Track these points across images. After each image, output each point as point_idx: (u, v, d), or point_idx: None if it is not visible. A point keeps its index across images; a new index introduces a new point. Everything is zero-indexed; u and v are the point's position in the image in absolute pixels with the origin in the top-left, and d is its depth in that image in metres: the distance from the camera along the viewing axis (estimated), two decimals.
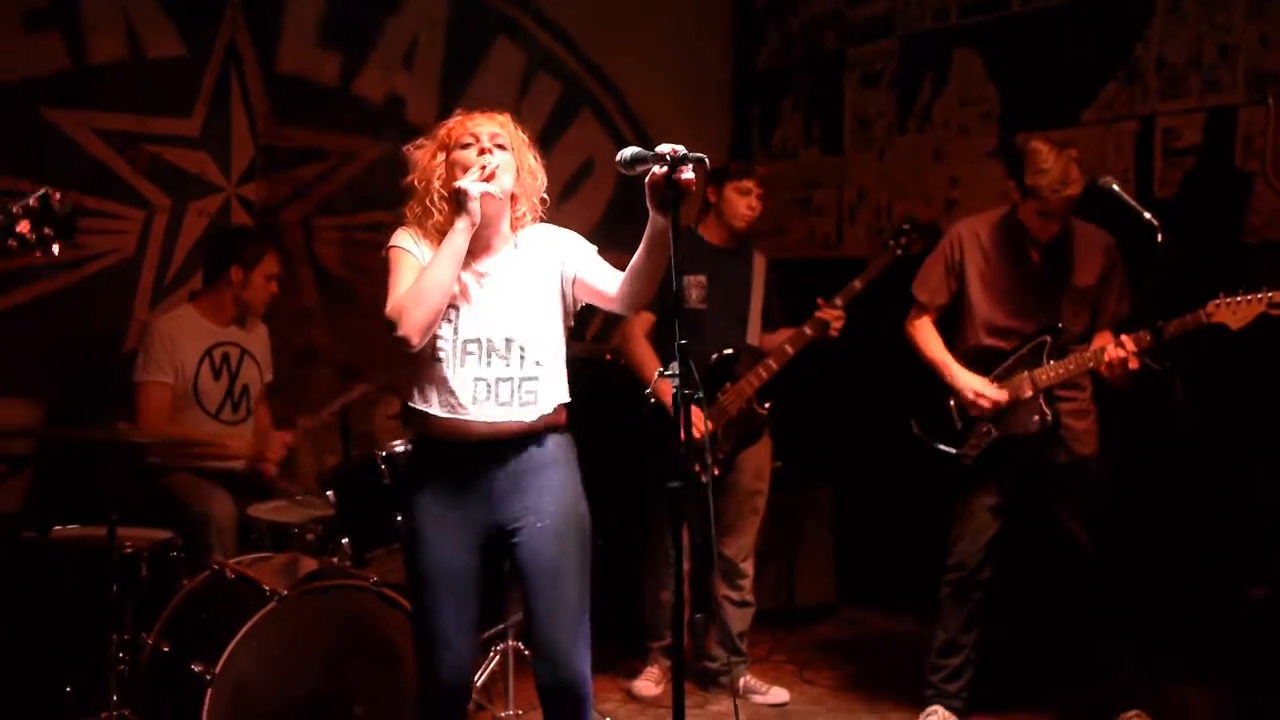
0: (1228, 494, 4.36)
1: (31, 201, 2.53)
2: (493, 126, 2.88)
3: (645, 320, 4.36)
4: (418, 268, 2.83)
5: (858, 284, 4.25)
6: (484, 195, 2.80)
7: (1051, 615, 4.39)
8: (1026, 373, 3.92)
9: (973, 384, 3.95)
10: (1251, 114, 4.48)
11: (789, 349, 4.30)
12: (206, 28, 4.97)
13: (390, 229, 2.98)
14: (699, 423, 4.13)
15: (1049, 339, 3.92)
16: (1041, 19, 5.12)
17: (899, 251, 4.26)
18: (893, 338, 4.43)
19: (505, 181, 2.86)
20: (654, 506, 4.45)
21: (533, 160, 2.95)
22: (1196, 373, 3.59)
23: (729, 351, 4.35)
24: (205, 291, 4.42)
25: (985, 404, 3.92)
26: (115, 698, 3.31)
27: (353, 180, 5.33)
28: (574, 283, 2.91)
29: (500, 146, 2.87)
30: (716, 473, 4.35)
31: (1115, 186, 3.39)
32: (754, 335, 4.50)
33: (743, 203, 4.40)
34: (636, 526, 4.61)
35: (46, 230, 2.54)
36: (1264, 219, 4.47)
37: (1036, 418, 3.91)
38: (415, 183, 2.93)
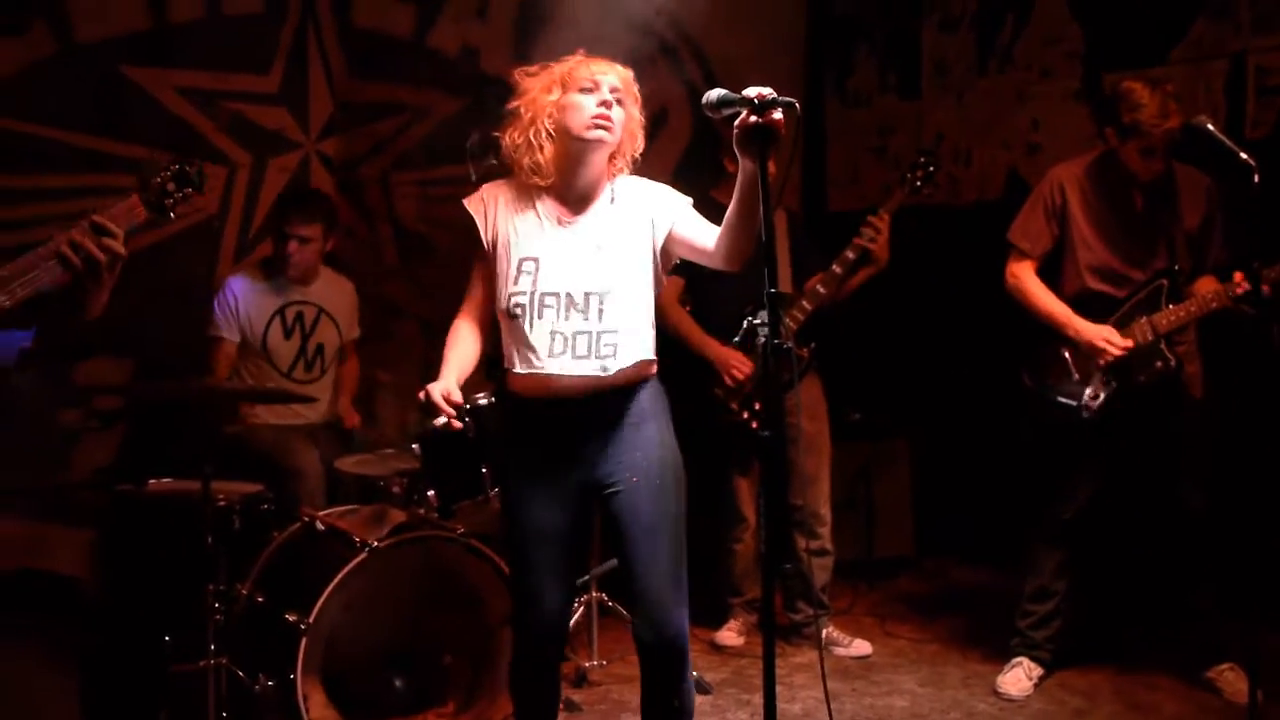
0: None
1: (173, 168, 2.58)
2: (614, 78, 2.81)
3: (675, 284, 4.33)
4: (479, 252, 2.86)
5: (899, 192, 4.26)
6: (595, 141, 2.78)
7: (1144, 566, 4.34)
8: (1145, 318, 3.83)
9: (1101, 332, 3.84)
10: None
11: (820, 289, 4.25)
12: None
13: (465, 184, 2.96)
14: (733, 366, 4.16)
15: (1166, 282, 3.83)
16: None
17: (917, 184, 4.28)
18: (968, 285, 4.36)
19: (614, 136, 2.82)
20: (721, 458, 4.44)
21: (639, 120, 2.89)
22: None
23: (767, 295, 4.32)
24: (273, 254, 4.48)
25: (1115, 352, 3.83)
26: (212, 647, 3.38)
27: (429, 134, 5.34)
28: (668, 238, 2.85)
29: (619, 101, 2.81)
30: (754, 425, 4.30)
31: (1210, 126, 3.29)
32: (786, 285, 4.41)
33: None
34: (704, 480, 4.60)
35: (185, 191, 2.59)
36: None
37: (1160, 364, 3.82)
38: (521, 110, 2.84)
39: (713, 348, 4.32)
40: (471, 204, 2.91)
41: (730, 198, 2.65)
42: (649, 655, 2.88)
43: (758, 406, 4.24)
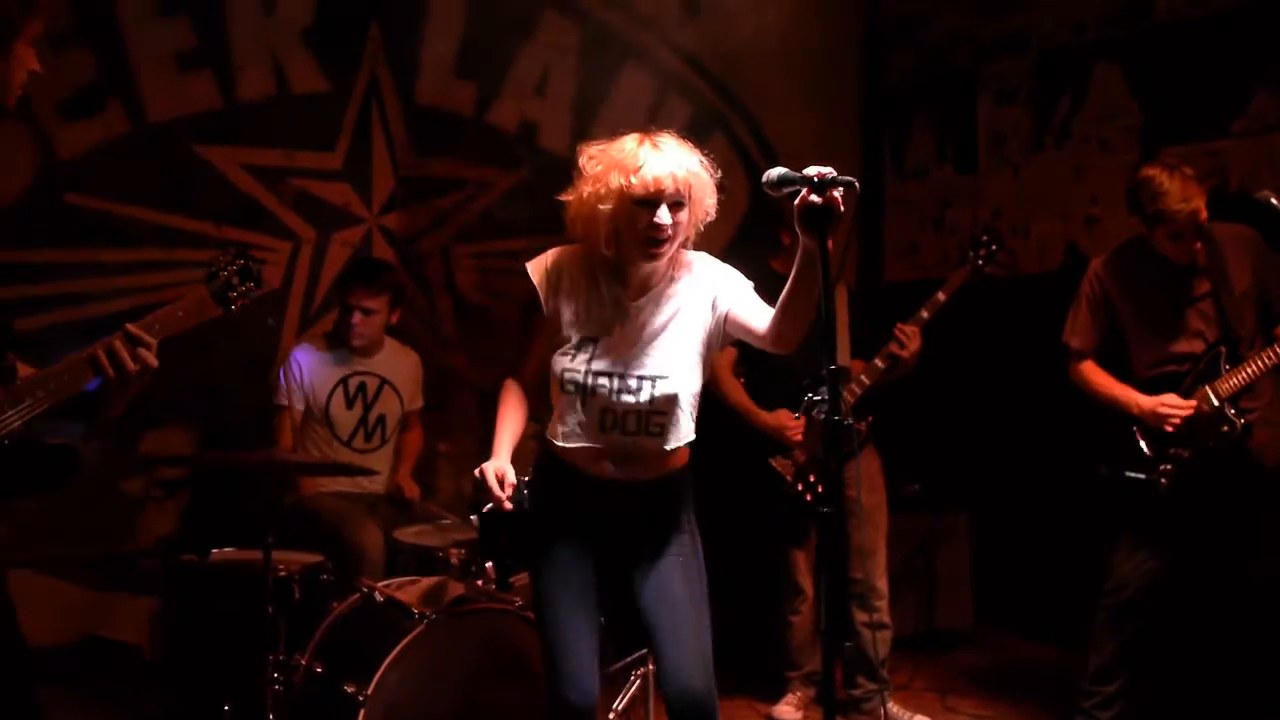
0: None
1: (236, 263, 2.66)
2: (680, 175, 2.71)
3: (730, 354, 4.35)
4: (536, 318, 2.88)
5: (941, 295, 4.25)
6: (652, 253, 2.76)
7: (1212, 647, 4.24)
8: (1206, 386, 3.81)
9: (1160, 399, 3.83)
10: None
11: (879, 363, 4.26)
12: (349, 63, 5.13)
13: (525, 256, 2.95)
14: (788, 429, 4.17)
15: (1224, 349, 3.81)
16: (1184, 28, 4.98)
17: (980, 262, 4.25)
18: (1030, 359, 4.34)
19: (669, 250, 2.79)
20: (777, 530, 4.42)
21: (711, 202, 2.81)
22: None
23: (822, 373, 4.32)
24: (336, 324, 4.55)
25: (1177, 417, 3.80)
26: (271, 716, 3.39)
27: (488, 208, 5.43)
28: (725, 319, 2.87)
29: (681, 203, 2.74)
30: (820, 491, 4.28)
31: (1274, 200, 3.28)
32: (844, 359, 4.43)
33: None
34: (761, 552, 4.58)
35: (247, 286, 2.67)
36: None
37: (1226, 428, 3.78)
38: (582, 189, 2.78)
39: (763, 417, 4.32)
40: (535, 269, 2.91)
41: (787, 268, 2.65)
42: (676, 717, 2.89)
43: (813, 479, 4.23)
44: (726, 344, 2.96)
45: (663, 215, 2.72)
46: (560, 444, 2.86)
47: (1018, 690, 4.78)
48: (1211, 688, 4.26)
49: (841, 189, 2.44)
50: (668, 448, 2.86)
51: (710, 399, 3.12)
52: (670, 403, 2.83)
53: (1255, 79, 4.74)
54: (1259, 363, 3.71)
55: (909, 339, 4.23)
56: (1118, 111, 5.30)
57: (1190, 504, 3.85)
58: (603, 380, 2.82)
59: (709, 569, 2.98)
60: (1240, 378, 3.75)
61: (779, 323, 2.72)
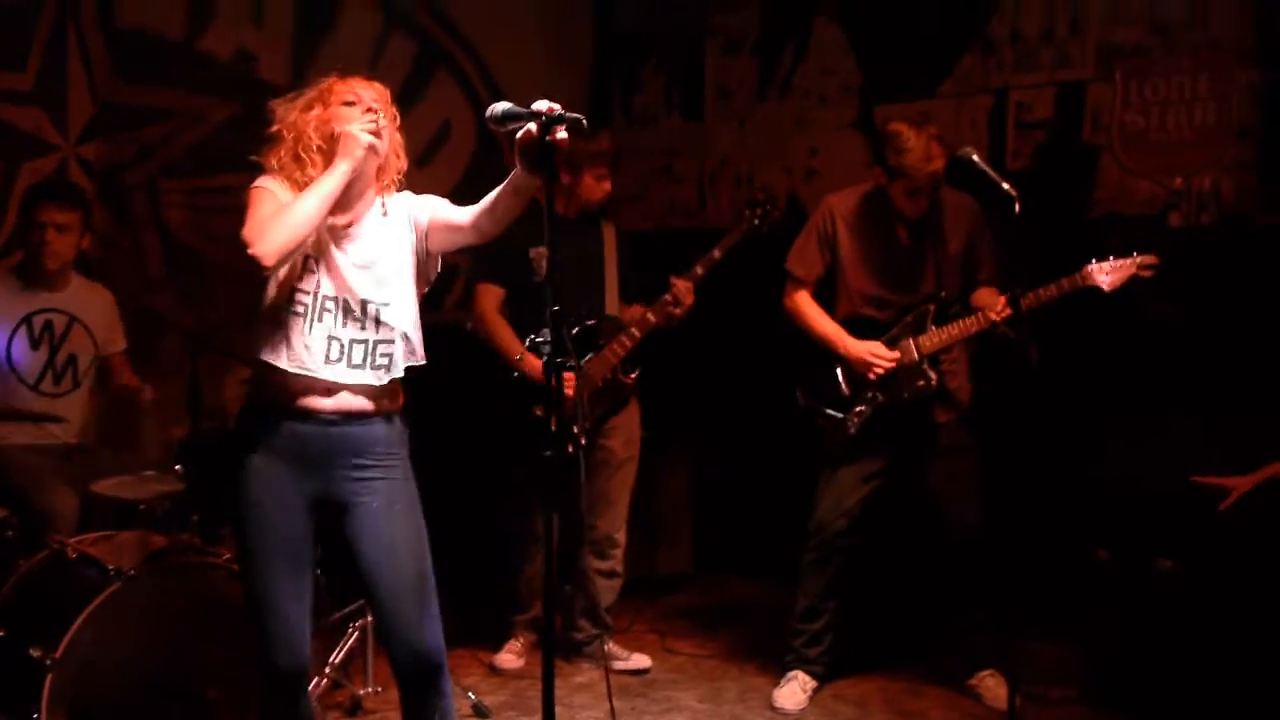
0: (1079, 461, 4.51)
1: None
2: (373, 94, 2.83)
3: (495, 294, 4.28)
4: (281, 205, 2.74)
5: (716, 253, 4.25)
6: (368, 148, 2.74)
7: (912, 580, 4.49)
8: (911, 339, 3.99)
9: (868, 347, 3.99)
10: (1099, 90, 4.60)
11: (651, 317, 4.28)
12: None
13: (242, 191, 2.84)
14: (570, 388, 4.11)
15: (932, 306, 4.00)
16: None
17: (755, 222, 4.25)
18: (754, 308, 4.44)
19: (383, 146, 2.80)
20: (517, 479, 4.38)
21: (400, 140, 2.90)
22: (1050, 342, 3.70)
23: (590, 322, 4.30)
24: (25, 255, 4.20)
25: (881, 366, 3.97)
26: None
27: (201, 141, 5.10)
28: (428, 234, 2.86)
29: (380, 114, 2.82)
30: (583, 442, 4.30)
31: (975, 157, 3.43)
32: (613, 305, 4.45)
33: (599, 186, 4.34)
34: (495, 499, 4.54)
35: None
36: (1109, 193, 4.61)
37: (922, 382, 3.98)
38: (283, 133, 2.82)
39: (533, 360, 4.04)
40: (269, 183, 2.80)
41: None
42: (404, 673, 2.88)
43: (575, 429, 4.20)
44: (436, 268, 2.92)
45: (369, 104, 2.78)
46: (285, 368, 2.73)
47: (735, 630, 4.93)
48: (909, 619, 4.53)
49: (568, 126, 2.40)
50: (390, 378, 2.80)
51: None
52: (395, 330, 2.79)
53: (962, 44, 4.97)
54: (961, 326, 3.91)
55: (684, 295, 4.23)
56: (836, 68, 5.47)
57: (877, 448, 4.05)
58: (329, 305, 2.75)
59: (427, 517, 2.92)
60: (943, 336, 3.96)
61: (480, 216, 2.78)
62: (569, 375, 4.18)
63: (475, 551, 4.45)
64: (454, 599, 3.05)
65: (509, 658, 4.46)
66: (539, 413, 4.17)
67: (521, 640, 4.50)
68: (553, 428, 2.47)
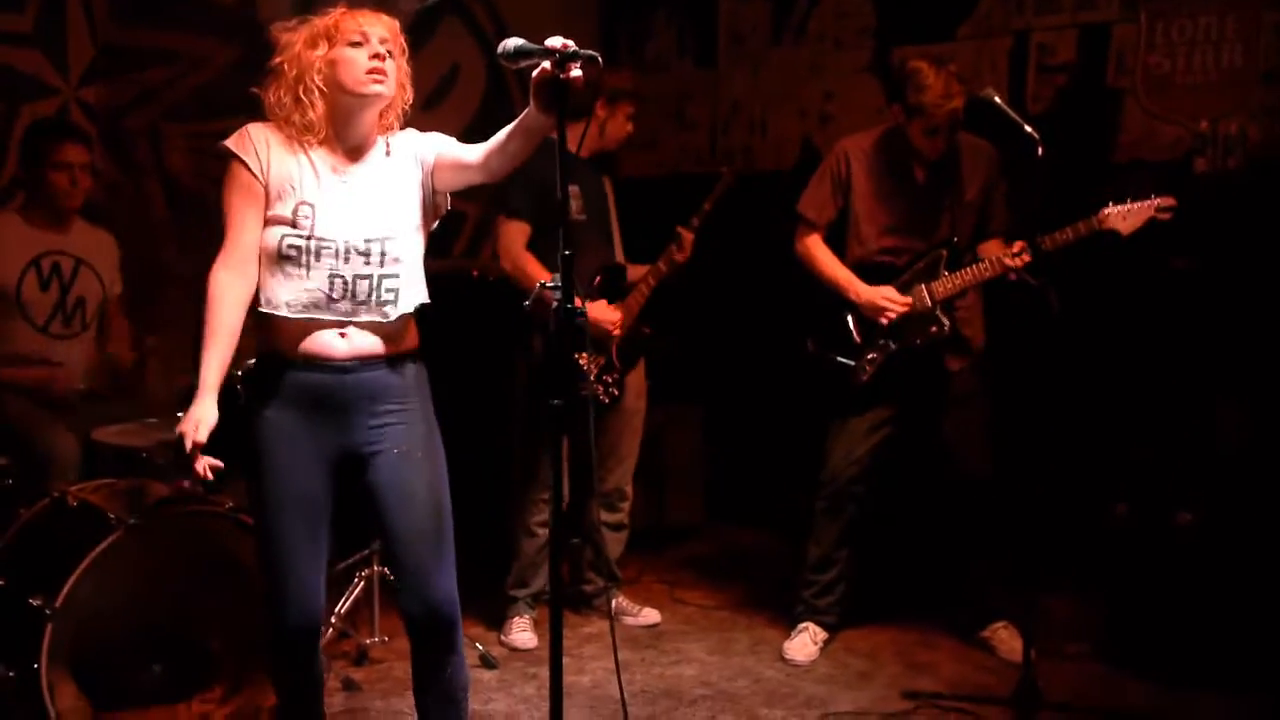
0: (1099, 413, 4.45)
1: None
2: (382, 29, 2.70)
3: (522, 230, 4.10)
4: (250, 195, 2.66)
5: (706, 205, 4.19)
6: (373, 96, 2.67)
7: (924, 531, 4.43)
8: (923, 285, 3.91)
9: (881, 292, 3.92)
10: (1124, 31, 4.49)
11: (662, 266, 4.24)
12: None
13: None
14: (611, 322, 4.10)
15: (945, 252, 3.91)
16: None
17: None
18: (763, 255, 4.36)
19: (389, 89, 2.71)
20: (524, 429, 4.30)
21: (408, 70, 2.80)
22: (1071, 289, 3.62)
23: (617, 264, 4.26)
24: (29, 196, 4.12)
25: (894, 311, 3.89)
26: None
27: (203, 84, 5.01)
28: (434, 172, 2.77)
29: (389, 53, 2.70)
30: (616, 394, 4.23)
31: (996, 99, 3.35)
32: (619, 253, 4.37)
33: (625, 125, 4.25)
34: (502, 449, 4.46)
35: None
36: (1133, 137, 4.50)
37: (934, 328, 3.91)
38: (285, 67, 2.69)
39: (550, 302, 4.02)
40: (238, 144, 2.70)
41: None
42: (417, 625, 2.79)
43: (608, 379, 4.16)
44: (443, 207, 2.84)
45: (376, 47, 2.67)
46: (284, 315, 2.64)
47: (744, 581, 4.89)
48: (922, 570, 4.48)
49: (582, 65, 2.31)
50: (398, 314, 2.71)
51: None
52: (400, 264, 2.71)
53: None
54: (975, 272, 3.83)
55: (686, 245, 4.18)
56: (852, 10, 5.35)
57: (888, 397, 3.98)
58: (328, 245, 2.65)
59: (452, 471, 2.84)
60: (956, 282, 3.87)
61: (490, 155, 2.69)
62: (616, 314, 4.15)
63: (484, 514, 4.37)
64: (471, 575, 2.98)
65: (523, 637, 4.21)
66: (582, 358, 4.04)
67: (528, 616, 4.29)
68: (562, 373, 2.40)
